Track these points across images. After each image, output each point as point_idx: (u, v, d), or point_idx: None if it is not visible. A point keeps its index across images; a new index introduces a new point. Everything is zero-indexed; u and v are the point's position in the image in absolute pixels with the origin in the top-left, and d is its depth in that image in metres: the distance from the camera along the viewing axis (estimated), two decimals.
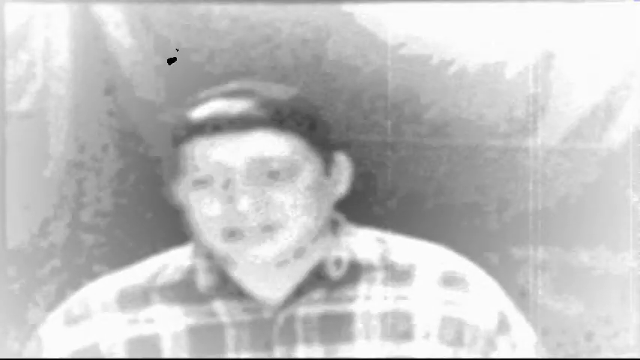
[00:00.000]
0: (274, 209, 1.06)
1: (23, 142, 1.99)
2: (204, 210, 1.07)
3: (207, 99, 1.09)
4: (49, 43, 2.01)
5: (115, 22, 2.01)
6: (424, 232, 1.26)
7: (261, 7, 1.94)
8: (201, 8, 1.97)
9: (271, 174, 1.06)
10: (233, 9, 1.96)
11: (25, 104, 2.00)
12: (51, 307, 1.22)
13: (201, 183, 1.07)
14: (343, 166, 1.16)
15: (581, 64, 1.91)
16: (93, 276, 1.23)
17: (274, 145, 1.06)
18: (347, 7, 1.94)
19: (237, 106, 1.06)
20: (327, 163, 1.12)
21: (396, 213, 1.89)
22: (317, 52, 1.94)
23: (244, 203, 1.04)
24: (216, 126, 1.05)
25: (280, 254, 1.07)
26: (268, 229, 1.06)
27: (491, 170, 1.93)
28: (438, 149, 1.94)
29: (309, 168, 1.09)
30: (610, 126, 1.91)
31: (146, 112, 2.00)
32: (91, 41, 2.01)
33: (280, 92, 1.10)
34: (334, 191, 1.15)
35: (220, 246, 1.08)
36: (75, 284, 1.23)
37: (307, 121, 1.10)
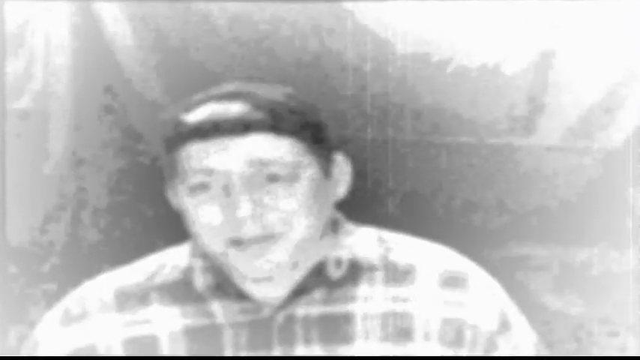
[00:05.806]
0: (274, 217, 1.03)
1: (23, 139, 1.99)
2: (203, 218, 1.03)
3: (201, 101, 1.05)
4: (49, 40, 2.01)
5: (115, 19, 2.01)
6: (423, 231, 1.26)
7: (261, 5, 1.94)
8: (201, 6, 1.97)
9: (271, 178, 1.03)
10: (233, 6, 1.96)
11: (25, 102, 2.00)
12: (51, 305, 1.22)
13: (199, 189, 1.03)
14: (343, 167, 1.14)
15: (581, 63, 1.91)
16: (93, 274, 1.22)
17: (273, 148, 1.03)
18: (347, 5, 1.94)
19: (234, 109, 1.03)
20: (327, 164, 1.10)
21: (395, 211, 1.89)
22: (317, 50, 1.94)
23: (244, 209, 1.01)
24: (213, 129, 1.01)
25: (278, 267, 1.05)
26: (267, 238, 1.03)
27: (491, 168, 1.93)
28: (438, 147, 1.94)
29: (310, 170, 1.06)
30: (610, 124, 1.91)
31: (146, 110, 2.00)
32: (91, 39, 2.01)
33: (277, 93, 1.07)
34: (335, 192, 1.13)
35: (220, 254, 1.06)
36: (75, 282, 1.22)
37: (305, 122, 1.06)
